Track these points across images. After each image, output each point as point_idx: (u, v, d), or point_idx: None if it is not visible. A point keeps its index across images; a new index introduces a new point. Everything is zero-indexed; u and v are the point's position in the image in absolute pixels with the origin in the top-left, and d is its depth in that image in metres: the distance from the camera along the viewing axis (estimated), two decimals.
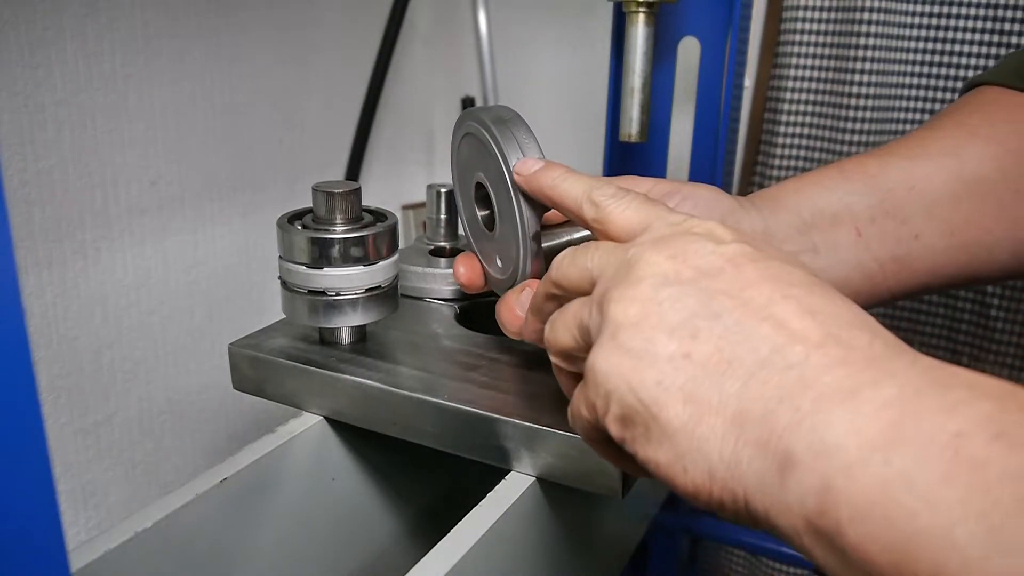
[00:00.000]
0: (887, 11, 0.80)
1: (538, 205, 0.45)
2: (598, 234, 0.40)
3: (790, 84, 0.87)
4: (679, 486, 0.30)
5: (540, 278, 0.46)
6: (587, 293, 0.36)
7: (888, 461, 0.24)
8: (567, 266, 0.38)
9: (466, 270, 0.52)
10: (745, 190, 0.93)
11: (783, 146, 0.89)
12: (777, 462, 0.27)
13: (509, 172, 0.44)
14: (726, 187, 0.80)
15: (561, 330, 0.37)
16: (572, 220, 0.48)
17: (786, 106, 0.88)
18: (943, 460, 0.23)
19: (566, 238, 0.48)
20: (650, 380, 0.30)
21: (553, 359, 0.39)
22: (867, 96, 0.82)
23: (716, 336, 0.30)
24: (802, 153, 0.89)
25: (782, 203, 0.51)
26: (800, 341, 0.28)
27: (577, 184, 0.41)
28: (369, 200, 0.53)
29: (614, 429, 0.32)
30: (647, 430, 0.31)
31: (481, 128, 0.46)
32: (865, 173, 0.51)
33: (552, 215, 0.48)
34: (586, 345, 0.35)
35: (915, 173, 0.51)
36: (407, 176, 1.09)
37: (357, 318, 0.51)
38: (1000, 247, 0.51)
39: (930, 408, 0.25)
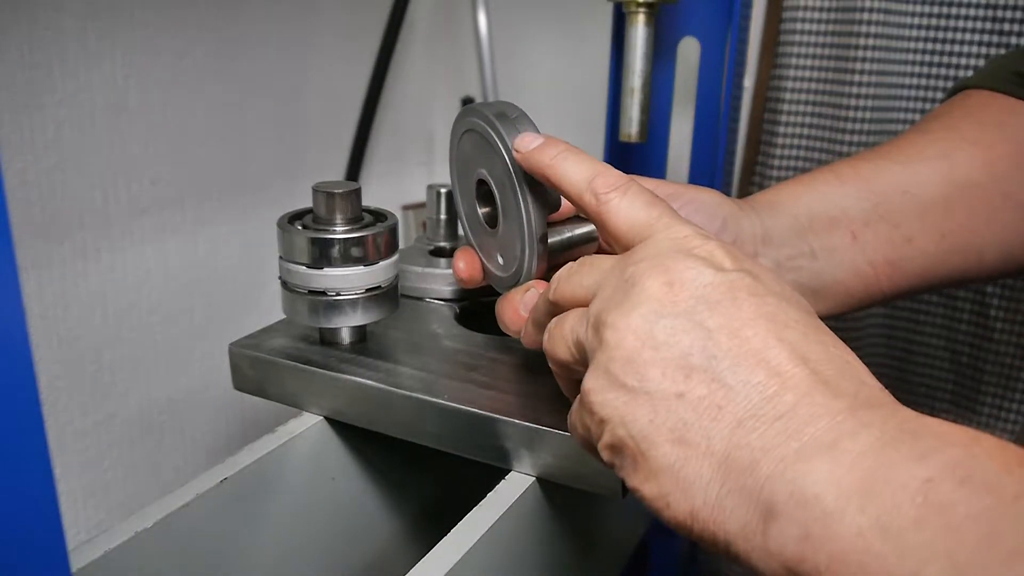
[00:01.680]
0: (886, 11, 0.80)
1: (544, 205, 0.44)
2: (597, 225, 0.39)
3: (790, 84, 0.87)
4: (662, 519, 0.31)
5: (545, 278, 0.46)
6: (584, 304, 0.37)
7: (863, 509, 0.25)
8: (564, 284, 0.38)
9: (466, 265, 0.52)
10: (745, 190, 0.93)
11: (783, 146, 0.89)
12: (760, 512, 0.27)
13: (516, 171, 0.44)
14: (726, 187, 0.80)
15: (559, 343, 0.37)
16: (577, 215, 0.48)
17: (786, 106, 0.88)
18: (914, 505, 0.24)
19: (568, 235, 0.48)
20: (642, 417, 0.31)
21: (552, 367, 0.39)
22: (866, 96, 0.82)
23: (709, 378, 0.30)
24: (802, 153, 0.89)
25: (780, 207, 0.51)
26: (791, 389, 0.29)
27: (579, 167, 0.40)
28: (369, 200, 0.53)
29: (605, 455, 0.33)
30: (635, 463, 0.31)
31: (485, 125, 0.45)
32: (859, 177, 0.52)
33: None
34: (582, 359, 0.35)
35: (908, 177, 0.51)
36: (407, 176, 1.09)
37: (357, 318, 0.51)
38: (990, 249, 0.52)
39: (903, 457, 0.26)
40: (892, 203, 0.51)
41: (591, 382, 0.33)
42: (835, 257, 0.51)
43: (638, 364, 0.31)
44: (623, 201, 0.38)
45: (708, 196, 0.49)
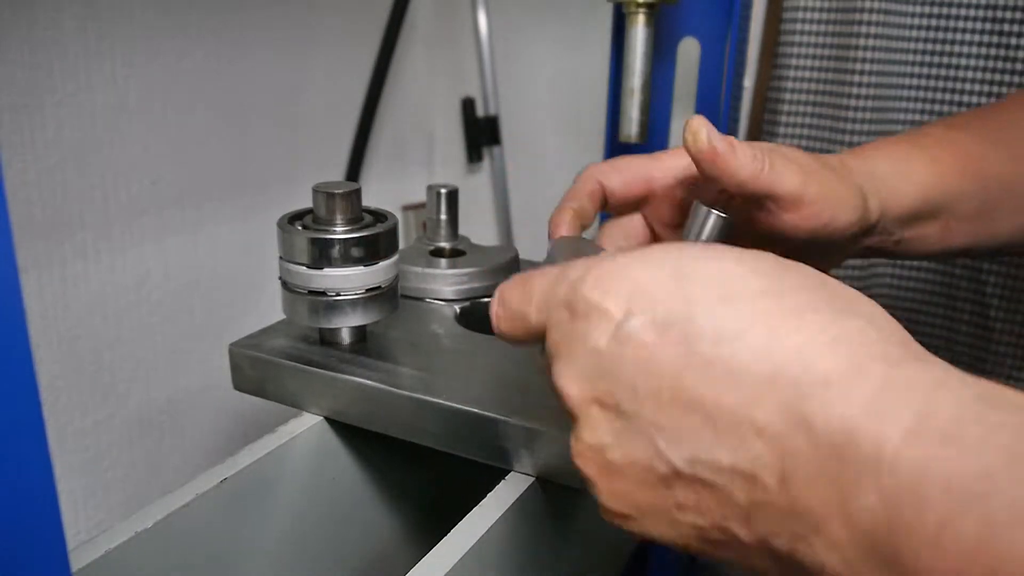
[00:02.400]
0: (887, 12, 0.80)
1: None
2: None
3: (790, 84, 0.87)
4: None
5: None
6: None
7: None
8: (504, 329, 0.34)
9: None
10: None
11: None
12: None
13: None
14: None
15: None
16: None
17: (785, 107, 0.88)
18: None
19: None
20: (654, 529, 0.28)
21: None
22: (866, 97, 0.82)
23: (689, 482, 0.26)
24: None
25: (902, 193, 0.47)
26: (770, 468, 0.24)
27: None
28: (369, 200, 0.53)
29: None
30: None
31: None
32: (983, 172, 0.48)
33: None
34: None
35: (1014, 168, 0.49)
36: (407, 176, 1.09)
37: (357, 318, 0.51)
38: None
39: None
40: (993, 199, 0.48)
41: (598, 487, 0.30)
42: (917, 244, 0.48)
43: (618, 493, 0.29)
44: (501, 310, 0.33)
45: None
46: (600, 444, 0.28)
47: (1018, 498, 0.20)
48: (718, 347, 0.25)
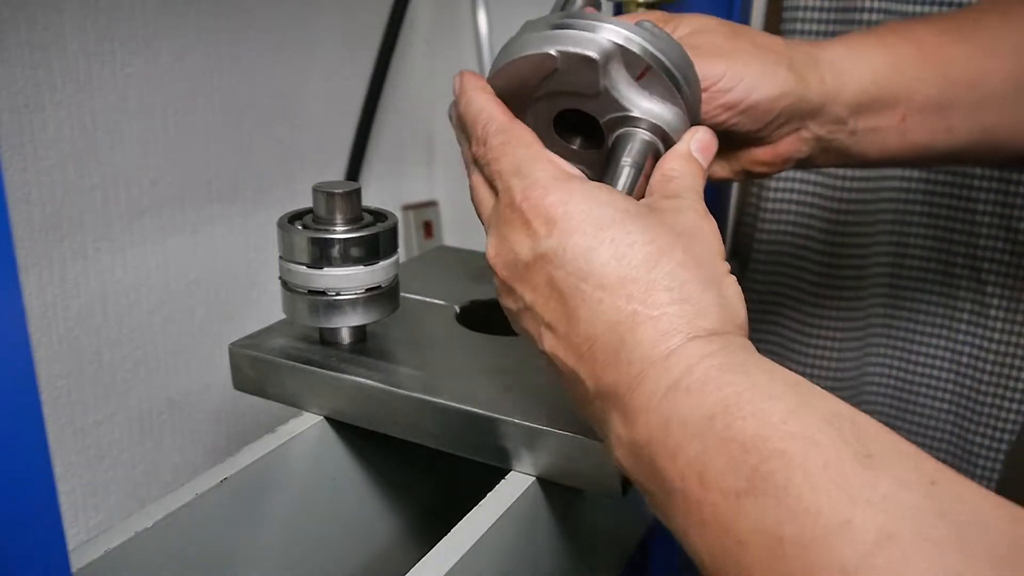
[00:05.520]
0: (887, 11, 0.80)
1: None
2: None
3: None
4: None
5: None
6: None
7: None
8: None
9: None
10: (745, 189, 0.93)
11: None
12: None
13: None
14: (726, 186, 0.79)
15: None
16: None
17: None
18: None
19: None
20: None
21: None
22: None
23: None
24: None
25: (851, 76, 0.47)
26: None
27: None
28: (369, 200, 0.53)
29: None
30: None
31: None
32: (941, 58, 0.49)
33: None
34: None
35: (981, 66, 0.49)
36: (407, 176, 1.09)
37: (357, 318, 0.51)
38: (1012, 145, 0.51)
39: None
40: (956, 94, 0.49)
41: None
42: (873, 137, 0.49)
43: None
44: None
45: (758, 64, 0.45)
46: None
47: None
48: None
